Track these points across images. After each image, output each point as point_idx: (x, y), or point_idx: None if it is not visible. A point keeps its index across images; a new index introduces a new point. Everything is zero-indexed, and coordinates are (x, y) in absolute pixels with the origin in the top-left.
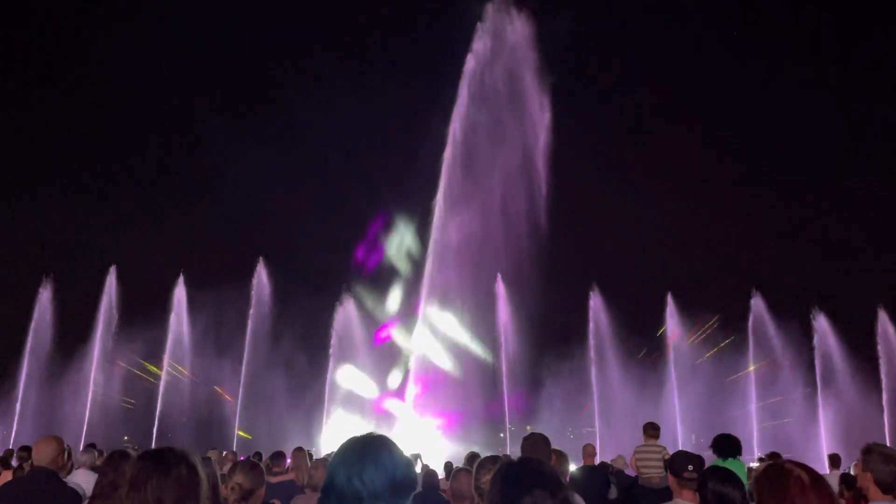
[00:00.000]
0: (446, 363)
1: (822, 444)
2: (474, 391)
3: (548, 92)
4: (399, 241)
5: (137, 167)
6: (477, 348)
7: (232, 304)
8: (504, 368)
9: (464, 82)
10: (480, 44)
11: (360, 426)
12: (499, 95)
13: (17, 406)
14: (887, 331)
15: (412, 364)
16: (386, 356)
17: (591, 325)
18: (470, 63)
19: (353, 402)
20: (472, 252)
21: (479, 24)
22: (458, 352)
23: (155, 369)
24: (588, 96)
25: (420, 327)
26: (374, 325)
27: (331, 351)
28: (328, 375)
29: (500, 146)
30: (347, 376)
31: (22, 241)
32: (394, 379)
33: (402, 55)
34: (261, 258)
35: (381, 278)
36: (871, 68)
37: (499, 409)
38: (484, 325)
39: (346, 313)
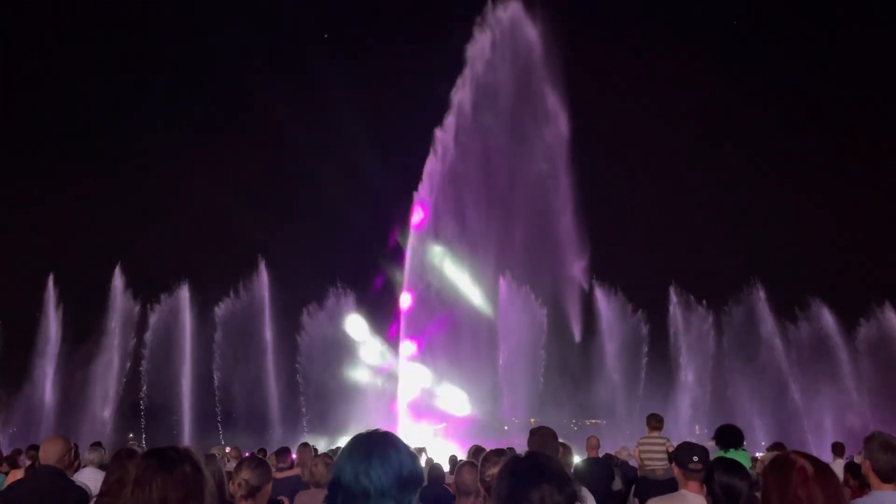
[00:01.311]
0: (445, 395)
1: (806, 434)
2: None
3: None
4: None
5: (138, 166)
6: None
7: (233, 304)
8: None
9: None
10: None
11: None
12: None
13: (44, 407)
14: (881, 320)
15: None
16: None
17: (601, 317)
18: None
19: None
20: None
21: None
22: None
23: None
24: (591, 92)
25: (404, 371)
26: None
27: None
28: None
29: (513, 150)
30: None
31: (27, 241)
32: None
33: (406, 58)
34: (262, 260)
35: (384, 300)
36: (870, 63)
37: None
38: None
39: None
